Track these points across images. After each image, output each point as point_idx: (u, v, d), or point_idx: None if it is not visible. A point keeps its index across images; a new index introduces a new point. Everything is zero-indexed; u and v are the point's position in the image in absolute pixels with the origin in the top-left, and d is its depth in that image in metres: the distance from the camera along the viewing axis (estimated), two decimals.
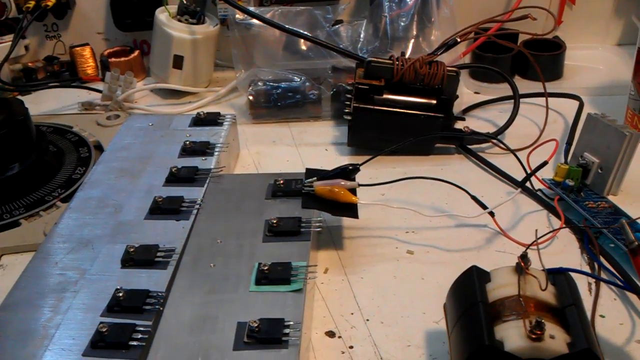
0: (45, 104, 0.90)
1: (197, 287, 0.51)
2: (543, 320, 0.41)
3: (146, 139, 0.72)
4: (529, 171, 0.66)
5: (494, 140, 0.75)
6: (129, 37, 0.98)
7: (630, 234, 0.47)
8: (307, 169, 0.63)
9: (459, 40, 0.75)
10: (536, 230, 0.50)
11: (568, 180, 0.66)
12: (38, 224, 0.66)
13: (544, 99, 0.80)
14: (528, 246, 0.48)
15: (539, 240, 0.57)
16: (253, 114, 0.84)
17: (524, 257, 0.45)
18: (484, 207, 0.62)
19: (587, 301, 0.54)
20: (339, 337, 0.52)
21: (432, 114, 0.73)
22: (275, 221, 0.57)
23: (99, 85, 0.91)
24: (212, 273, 0.53)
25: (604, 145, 0.66)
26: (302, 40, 0.85)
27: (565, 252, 0.60)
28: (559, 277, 0.46)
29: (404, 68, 0.72)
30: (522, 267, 0.45)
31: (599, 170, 0.66)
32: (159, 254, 0.54)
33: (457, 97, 0.75)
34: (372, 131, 0.74)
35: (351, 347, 0.51)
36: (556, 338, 0.41)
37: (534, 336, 0.40)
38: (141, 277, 0.52)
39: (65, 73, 0.97)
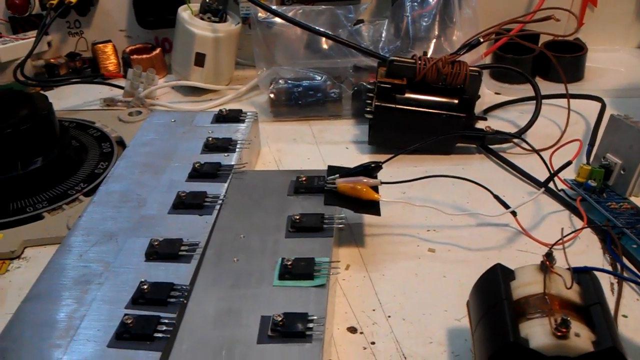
0: (68, 100, 0.91)
1: (221, 281, 0.51)
2: (569, 318, 0.41)
3: (168, 135, 0.72)
4: (552, 171, 0.66)
5: (515, 141, 0.75)
6: (151, 35, 0.99)
7: None
8: (329, 166, 0.63)
9: (482, 40, 0.75)
10: (562, 229, 0.50)
11: (590, 181, 0.65)
12: (61, 217, 0.66)
13: (565, 100, 0.80)
14: (553, 245, 0.48)
15: (562, 240, 0.56)
16: (274, 111, 0.84)
17: (549, 255, 0.45)
18: (506, 206, 0.62)
19: (609, 301, 0.53)
20: (361, 332, 0.52)
21: (454, 114, 0.73)
22: (297, 217, 0.57)
23: (121, 82, 0.91)
24: (236, 268, 0.53)
25: (626, 147, 0.65)
26: (323, 39, 0.86)
27: (588, 252, 0.60)
28: (583, 276, 0.46)
29: (426, 67, 0.72)
30: (547, 265, 0.45)
31: (622, 171, 0.66)
32: (182, 247, 0.54)
33: (479, 97, 0.75)
34: (393, 130, 0.74)
35: (373, 343, 0.51)
36: (581, 336, 0.41)
37: (559, 334, 0.40)
38: (165, 271, 0.52)
39: (87, 69, 0.98)
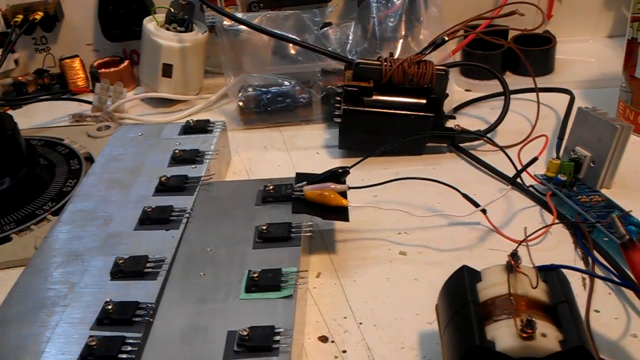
0: (36, 117, 0.90)
1: (187, 297, 0.51)
2: (534, 319, 0.40)
3: (136, 149, 0.71)
4: (519, 167, 0.65)
5: (485, 138, 0.75)
6: (119, 48, 0.98)
7: (621, 228, 0.47)
8: (297, 174, 0.63)
9: (446, 38, 0.75)
10: (525, 228, 0.50)
11: (560, 175, 0.65)
12: (29, 238, 0.65)
13: (535, 94, 0.80)
14: (519, 244, 0.48)
15: (531, 237, 0.56)
16: (244, 119, 0.83)
17: (514, 255, 0.45)
18: (475, 205, 0.62)
19: (582, 296, 0.53)
20: (332, 341, 0.52)
21: (422, 114, 0.73)
22: (265, 227, 0.56)
23: (90, 97, 0.90)
24: (202, 282, 0.52)
25: (595, 139, 0.65)
26: (291, 45, 0.85)
27: (559, 247, 0.60)
28: (550, 273, 0.46)
29: (392, 69, 0.72)
30: (512, 265, 0.45)
31: (591, 164, 0.66)
32: (148, 264, 0.53)
33: (447, 95, 0.75)
34: (362, 133, 0.74)
35: (344, 351, 0.51)
36: (548, 336, 0.40)
37: (525, 335, 0.40)
38: (131, 289, 0.52)
39: (55, 86, 0.97)
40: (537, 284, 0.44)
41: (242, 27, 0.84)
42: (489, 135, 0.75)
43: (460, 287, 0.46)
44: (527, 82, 0.84)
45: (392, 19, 0.85)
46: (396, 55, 0.81)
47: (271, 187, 0.62)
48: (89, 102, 0.89)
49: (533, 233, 0.56)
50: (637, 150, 0.72)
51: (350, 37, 0.85)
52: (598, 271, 0.56)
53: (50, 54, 0.98)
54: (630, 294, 0.54)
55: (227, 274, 0.53)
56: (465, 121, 0.79)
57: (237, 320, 0.48)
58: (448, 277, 0.48)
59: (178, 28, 0.88)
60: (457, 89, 0.88)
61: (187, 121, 0.74)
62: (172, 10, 0.88)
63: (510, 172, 0.68)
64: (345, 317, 0.54)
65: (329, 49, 0.81)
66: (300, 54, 0.85)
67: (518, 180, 0.67)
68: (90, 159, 0.77)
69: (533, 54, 0.88)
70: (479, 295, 0.44)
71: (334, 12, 0.91)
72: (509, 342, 0.40)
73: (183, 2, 0.88)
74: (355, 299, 0.56)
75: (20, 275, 0.55)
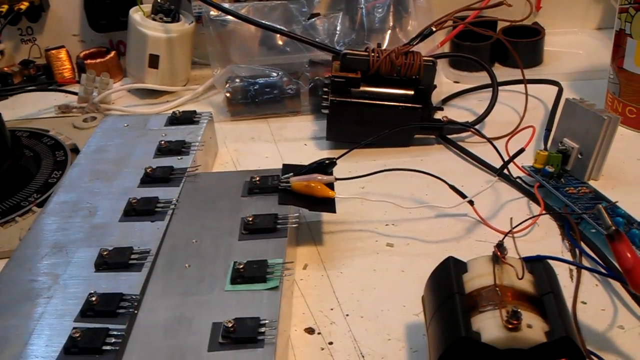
0: (22, 109, 0.89)
1: (172, 288, 0.50)
2: (519, 310, 0.40)
3: (121, 140, 0.71)
4: (506, 159, 0.65)
5: (473, 129, 0.75)
6: (105, 38, 0.97)
7: (607, 219, 0.47)
8: (284, 165, 0.62)
9: (434, 29, 0.74)
10: (511, 219, 0.49)
11: (548, 167, 0.65)
12: (14, 230, 0.65)
13: (524, 86, 0.80)
14: (505, 235, 0.47)
15: (517, 228, 0.56)
16: (231, 111, 0.83)
17: (500, 246, 0.45)
18: (463, 196, 0.62)
19: (569, 288, 0.53)
20: (319, 333, 0.51)
21: (410, 105, 0.72)
22: (251, 219, 0.56)
23: (76, 88, 0.89)
24: (187, 274, 0.52)
25: (583, 130, 0.65)
26: (278, 35, 0.85)
27: (547, 239, 0.60)
28: (536, 264, 0.45)
29: (379, 59, 0.72)
30: (498, 256, 0.44)
31: (579, 156, 0.65)
32: (133, 256, 0.53)
33: (435, 87, 0.75)
34: (350, 124, 0.74)
35: (331, 343, 0.51)
36: (534, 327, 0.40)
37: (510, 326, 0.40)
38: (115, 281, 0.51)
39: (41, 77, 0.96)
40: (523, 275, 0.43)
41: (229, 17, 0.83)
42: (477, 126, 0.75)
43: (446, 278, 0.45)
44: (515, 73, 0.84)
45: (380, 10, 0.84)
46: (384, 47, 0.80)
47: (257, 179, 0.61)
48: (75, 93, 0.88)
49: (520, 224, 0.55)
50: (624, 141, 0.72)
51: (338, 28, 0.85)
52: (585, 262, 0.56)
53: (36, 44, 0.97)
54: (617, 285, 0.54)
55: (213, 265, 0.52)
56: (454, 113, 0.79)
57: (222, 312, 0.47)
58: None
59: (164, 18, 0.87)
60: (446, 81, 0.88)
61: (174, 112, 0.74)
62: (159, 0, 0.87)
63: (498, 163, 0.68)
64: (331, 309, 0.54)
65: (317, 39, 0.81)
66: (287, 45, 0.85)
67: (505, 171, 0.66)
68: (76, 150, 0.76)
69: (522, 45, 0.88)
70: (464, 287, 0.44)
71: (322, 3, 0.91)
72: (494, 333, 0.40)
73: None
74: (342, 290, 0.56)
75: (4, 267, 0.55)
